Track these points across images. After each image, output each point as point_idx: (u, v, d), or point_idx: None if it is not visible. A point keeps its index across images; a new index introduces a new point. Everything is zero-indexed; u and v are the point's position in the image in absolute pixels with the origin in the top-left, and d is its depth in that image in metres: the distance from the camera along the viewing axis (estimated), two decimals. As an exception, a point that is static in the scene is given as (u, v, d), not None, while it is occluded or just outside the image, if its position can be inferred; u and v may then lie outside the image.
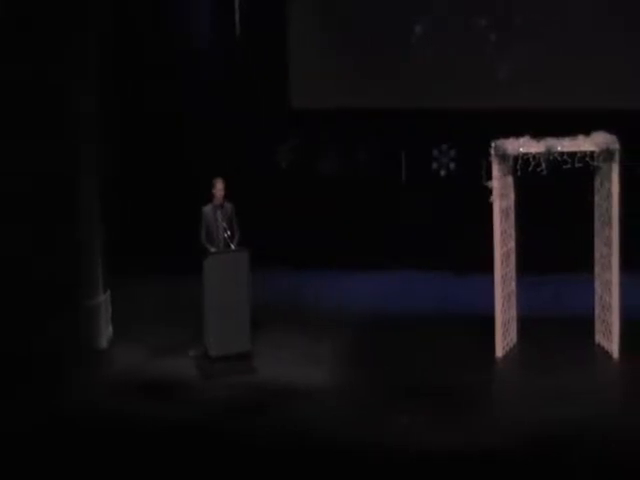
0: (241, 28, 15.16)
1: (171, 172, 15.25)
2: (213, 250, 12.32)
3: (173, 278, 14.36)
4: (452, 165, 15.01)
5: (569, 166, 11.88)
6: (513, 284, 12.72)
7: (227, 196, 12.53)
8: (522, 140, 12.08)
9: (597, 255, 12.64)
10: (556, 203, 14.26)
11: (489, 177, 12.23)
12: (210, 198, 12.51)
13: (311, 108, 15.21)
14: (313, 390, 11.48)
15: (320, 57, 15.17)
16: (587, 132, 12.10)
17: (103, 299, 12.79)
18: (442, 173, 15.06)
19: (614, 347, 12.31)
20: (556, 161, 11.88)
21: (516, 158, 12.06)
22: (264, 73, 15.20)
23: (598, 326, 12.68)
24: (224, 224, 12.41)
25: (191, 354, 12.45)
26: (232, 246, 12.35)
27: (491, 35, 14.86)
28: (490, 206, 12.19)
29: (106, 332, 12.81)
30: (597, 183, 12.53)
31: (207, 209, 12.48)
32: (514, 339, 12.79)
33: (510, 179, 12.50)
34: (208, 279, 12.18)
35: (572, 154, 11.92)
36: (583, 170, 12.01)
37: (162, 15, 15.23)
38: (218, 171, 12.80)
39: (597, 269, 12.63)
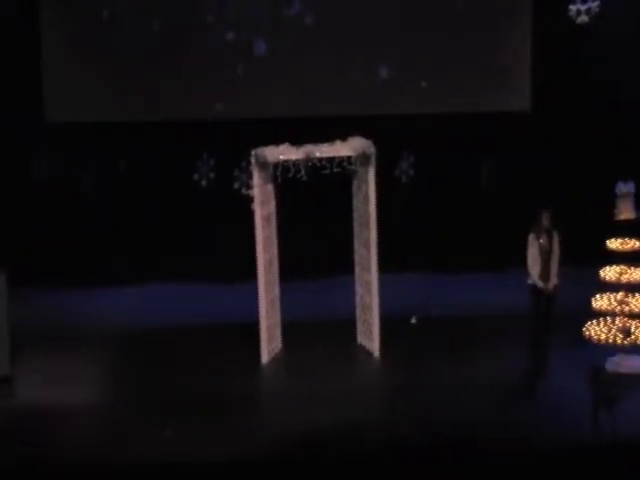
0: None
1: None
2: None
3: None
4: (212, 175, 14.97)
5: (328, 171, 12.06)
6: (276, 289, 12.80)
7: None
8: (281, 147, 12.19)
9: (357, 257, 12.89)
10: (316, 208, 14.44)
11: (249, 185, 12.27)
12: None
13: (68, 122, 14.85)
14: (73, 411, 11.22)
15: (76, 70, 14.79)
16: (344, 137, 12.32)
17: None
18: (203, 183, 15.00)
19: (375, 346, 12.57)
20: (315, 167, 12.04)
21: (276, 165, 12.14)
22: (18, 86, 14.73)
23: (360, 326, 12.92)
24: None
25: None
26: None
27: (246, 43, 14.87)
28: (252, 214, 12.22)
29: None
30: (355, 187, 12.79)
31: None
32: (279, 344, 12.86)
33: (270, 186, 12.58)
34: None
35: (331, 159, 12.11)
36: (342, 174, 12.22)
37: None
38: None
39: (357, 271, 12.88)
